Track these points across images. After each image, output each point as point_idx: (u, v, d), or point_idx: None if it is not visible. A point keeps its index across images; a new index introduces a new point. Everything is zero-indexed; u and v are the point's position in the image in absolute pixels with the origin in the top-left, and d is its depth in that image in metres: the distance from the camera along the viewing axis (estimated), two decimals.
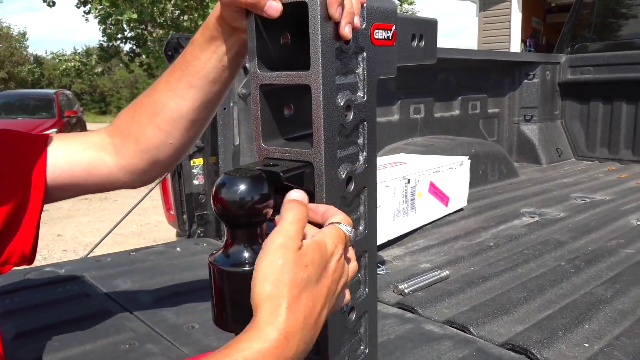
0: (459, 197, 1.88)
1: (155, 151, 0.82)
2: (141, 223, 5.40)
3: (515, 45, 8.71)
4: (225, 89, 0.80)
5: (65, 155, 0.82)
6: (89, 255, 1.48)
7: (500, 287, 1.22)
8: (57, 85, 22.75)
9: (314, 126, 0.64)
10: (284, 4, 0.62)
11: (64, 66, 21.42)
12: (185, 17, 10.05)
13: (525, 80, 2.94)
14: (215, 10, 0.72)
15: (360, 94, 0.70)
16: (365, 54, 0.69)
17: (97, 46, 14.81)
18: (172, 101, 0.78)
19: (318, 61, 0.61)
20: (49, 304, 1.13)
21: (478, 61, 2.69)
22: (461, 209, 1.92)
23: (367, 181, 0.72)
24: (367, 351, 0.77)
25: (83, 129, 10.08)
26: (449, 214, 1.84)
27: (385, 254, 1.47)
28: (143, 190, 1.26)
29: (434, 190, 1.72)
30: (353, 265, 0.59)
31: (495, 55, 3.22)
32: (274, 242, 0.52)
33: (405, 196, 1.58)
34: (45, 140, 0.83)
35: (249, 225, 0.59)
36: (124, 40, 12.47)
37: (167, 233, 4.64)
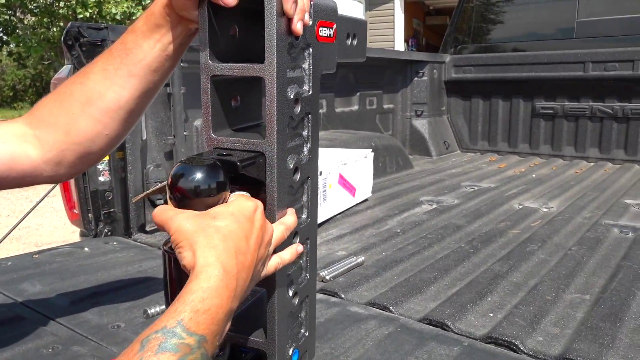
0: (364, 188, 1.99)
1: (89, 143, 0.78)
2: (19, 227, 4.96)
3: (399, 44, 9.21)
4: (165, 78, 0.79)
5: None
6: None
7: (411, 269, 1.32)
8: None
9: (267, 118, 0.66)
10: None
11: None
12: (62, 4, 9.33)
13: (416, 78, 3.14)
14: None
15: (306, 87, 0.73)
16: (311, 49, 0.73)
17: None
18: (109, 90, 0.76)
19: (273, 55, 0.64)
20: None
21: (374, 59, 2.83)
22: (366, 200, 2.03)
23: (310, 171, 0.76)
24: (306, 334, 0.81)
25: None
26: (356, 204, 1.94)
27: None
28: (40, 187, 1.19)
29: (343, 181, 1.80)
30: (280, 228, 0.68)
31: (389, 53, 3.40)
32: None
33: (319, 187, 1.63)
34: None
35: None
36: None
37: (50, 236, 4.32)
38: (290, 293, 0.74)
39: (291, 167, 0.71)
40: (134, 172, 1.62)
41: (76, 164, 0.80)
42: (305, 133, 0.75)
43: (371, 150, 2.03)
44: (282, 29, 0.64)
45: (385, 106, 3.03)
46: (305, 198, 0.77)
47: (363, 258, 1.37)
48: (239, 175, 0.67)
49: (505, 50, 3.15)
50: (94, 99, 0.76)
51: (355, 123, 2.77)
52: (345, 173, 1.81)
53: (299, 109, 0.71)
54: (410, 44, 10.09)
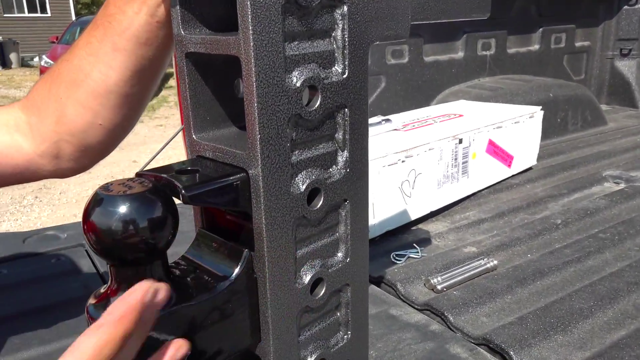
0: (526, 155, 1.59)
1: (82, 135, 0.62)
2: None
3: None
4: (165, 54, 0.58)
5: None
6: None
7: (560, 289, 0.97)
8: None
9: (247, 118, 0.42)
10: None
11: None
12: None
13: (626, 7, 2.45)
14: None
15: (337, 68, 0.46)
16: (345, 8, 0.44)
17: None
18: (95, 69, 0.58)
19: (247, 19, 0.38)
20: (34, 281, 1.02)
21: None
22: (529, 169, 1.63)
23: (349, 191, 0.50)
24: (347, 336, 0.55)
25: None
26: (513, 176, 1.56)
27: (425, 230, 1.24)
28: None
29: (494, 149, 1.44)
30: None
31: None
32: None
33: (455, 159, 1.31)
34: None
35: (141, 261, 0.40)
36: None
37: None
38: (305, 279, 0.48)
39: (302, 189, 0.45)
40: None
41: (78, 157, 0.65)
42: (338, 136, 0.48)
43: (540, 108, 1.59)
44: None
45: (578, 44, 2.44)
46: (342, 229, 0.51)
47: (496, 262, 1.05)
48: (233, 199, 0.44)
49: None
50: (79, 80, 0.59)
51: (533, 67, 2.27)
52: (498, 139, 1.44)
53: (319, 102, 0.45)
54: None
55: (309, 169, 0.46)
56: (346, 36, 0.45)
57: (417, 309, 0.93)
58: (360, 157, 0.50)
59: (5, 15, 14.94)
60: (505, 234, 1.20)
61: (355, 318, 0.55)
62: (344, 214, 0.51)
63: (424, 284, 1.00)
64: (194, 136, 0.47)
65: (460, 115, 1.50)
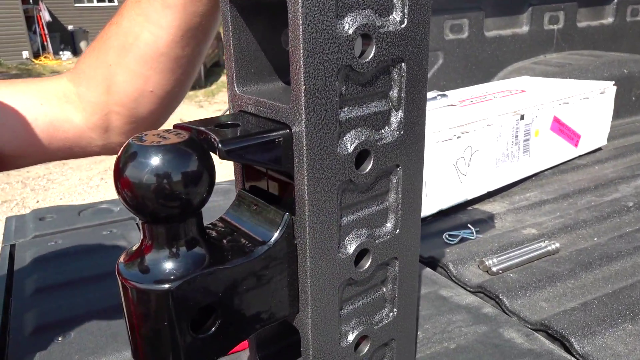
0: (595, 134, 1.47)
1: (133, 104, 0.60)
2: None
3: None
4: (216, 10, 0.56)
5: (18, 112, 0.62)
6: None
7: (630, 275, 0.88)
8: None
9: (291, 67, 0.38)
10: None
11: None
12: None
13: None
14: None
15: (395, 15, 0.42)
16: None
17: None
18: (145, 30, 0.56)
19: None
20: (86, 251, 1.04)
21: None
22: (598, 149, 1.52)
23: (402, 156, 0.46)
24: (394, 313, 0.51)
25: None
26: (580, 156, 1.46)
27: (481, 210, 1.17)
28: None
29: (559, 127, 1.34)
30: None
31: None
32: None
33: (516, 136, 1.23)
34: None
35: (174, 219, 0.37)
36: None
37: None
38: (350, 249, 0.44)
39: (350, 150, 0.42)
40: None
41: (128, 131, 0.63)
42: (393, 93, 0.44)
43: (614, 82, 1.47)
44: None
45: None
46: (392, 198, 0.47)
47: (558, 245, 0.97)
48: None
49: None
50: (128, 43, 0.56)
51: (606, 42, 2.11)
52: (564, 115, 1.34)
53: (373, 54, 0.41)
54: None
55: (359, 129, 0.42)
56: None
57: (469, 291, 0.88)
58: (416, 119, 0.46)
59: (76, 5, 15.63)
60: (569, 216, 1.11)
61: (402, 295, 0.51)
62: (395, 181, 0.46)
63: (478, 266, 0.94)
64: (236, 89, 0.45)
65: (523, 91, 1.41)
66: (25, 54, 13.54)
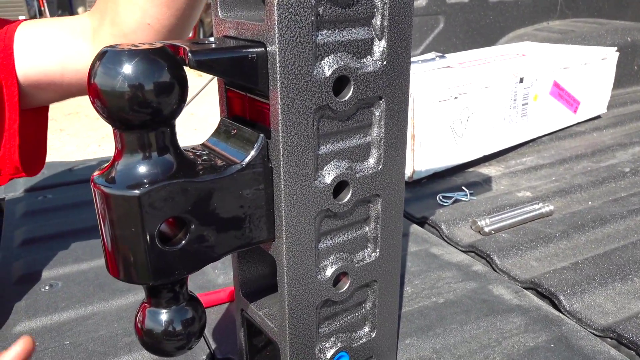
0: (595, 101, 1.45)
1: (133, 35, 0.63)
2: None
3: None
4: None
5: (37, 45, 0.66)
6: None
7: (623, 237, 0.88)
8: None
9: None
10: None
11: None
12: None
13: None
14: None
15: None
16: None
17: None
18: None
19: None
20: (75, 206, 1.03)
21: None
22: (598, 117, 1.50)
23: (385, 87, 0.44)
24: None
25: None
26: (578, 123, 1.44)
27: (476, 173, 1.16)
28: None
29: (559, 92, 1.32)
30: None
31: None
32: None
33: (515, 100, 1.21)
34: (13, 30, 0.67)
35: (147, 126, 0.36)
36: None
37: None
38: (327, 178, 0.44)
39: (326, 74, 0.40)
40: None
41: None
42: (376, 20, 0.42)
43: (616, 49, 1.44)
44: None
45: None
46: (375, 132, 0.46)
47: (552, 207, 0.97)
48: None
49: None
50: None
51: (611, 9, 2.07)
52: (564, 81, 1.32)
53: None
54: None
55: (338, 54, 0.41)
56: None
57: (460, 250, 0.87)
58: (401, 50, 0.44)
59: None
60: (565, 180, 1.10)
61: (385, 235, 0.50)
62: (377, 114, 0.45)
63: (471, 226, 0.93)
64: (219, 14, 0.43)
65: (524, 55, 1.38)
66: (22, 17, 13.37)
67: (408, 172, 1.09)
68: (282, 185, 0.40)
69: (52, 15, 14.30)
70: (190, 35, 0.74)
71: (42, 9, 14.44)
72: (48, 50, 0.66)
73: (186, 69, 0.38)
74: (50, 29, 0.68)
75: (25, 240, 0.89)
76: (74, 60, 0.67)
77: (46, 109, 0.74)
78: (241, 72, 0.38)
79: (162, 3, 0.60)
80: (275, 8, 0.36)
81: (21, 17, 13.38)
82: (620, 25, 1.89)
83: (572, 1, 1.97)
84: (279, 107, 0.38)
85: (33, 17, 13.90)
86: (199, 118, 5.98)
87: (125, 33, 0.63)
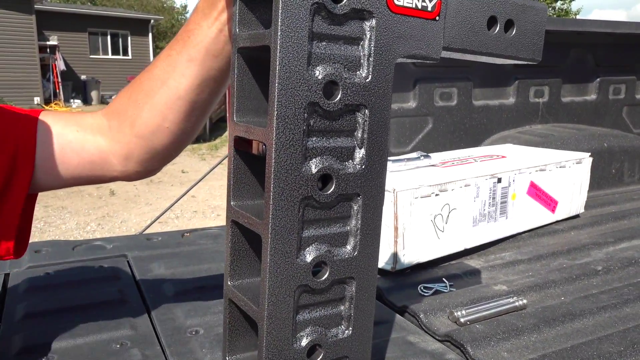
0: (572, 201, 1.55)
1: (151, 136, 0.72)
2: None
3: None
4: (228, 66, 0.67)
5: (57, 135, 0.74)
6: (144, 232, 1.44)
7: (591, 332, 0.93)
8: None
9: (269, 97, 0.48)
10: None
11: None
12: None
13: None
14: None
15: (361, 72, 0.51)
16: (374, 21, 0.50)
17: None
18: (171, 78, 0.68)
19: (278, 14, 0.45)
20: (75, 283, 1.09)
21: (627, 35, 2.22)
22: (576, 216, 1.58)
23: (363, 187, 0.53)
24: (348, 332, 0.57)
25: None
26: (557, 222, 1.52)
27: (457, 266, 1.23)
28: None
29: (536, 192, 1.42)
30: None
31: None
32: None
33: (493, 198, 1.30)
34: (36, 118, 0.76)
35: None
36: None
37: None
38: (308, 258, 0.51)
39: (313, 171, 0.49)
40: None
41: (144, 160, 0.75)
42: (357, 134, 0.52)
43: (590, 154, 1.56)
44: None
45: None
46: (353, 223, 0.54)
47: (525, 301, 1.02)
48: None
49: None
50: (157, 87, 0.69)
51: (589, 117, 2.23)
52: (540, 181, 1.42)
53: (339, 97, 0.50)
54: None
55: (324, 157, 0.51)
56: (373, 46, 0.51)
57: (436, 339, 0.92)
58: (378, 157, 0.54)
59: (91, 56, 16.19)
60: (540, 276, 1.17)
61: (358, 315, 0.56)
62: (356, 208, 0.54)
63: (448, 316, 0.99)
64: (235, 119, 0.54)
65: (503, 157, 1.49)
66: (37, 99, 13.92)
67: (391, 263, 1.16)
68: (269, 259, 0.48)
69: (65, 97, 14.86)
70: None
71: (57, 91, 15.04)
72: (68, 141, 0.74)
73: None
74: (71, 122, 0.76)
75: (26, 314, 0.94)
76: (92, 153, 0.75)
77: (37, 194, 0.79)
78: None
79: (183, 111, 0.70)
80: (275, 118, 0.46)
81: (36, 99, 13.91)
82: (597, 130, 2.03)
83: (553, 108, 2.13)
84: (271, 195, 0.47)
85: (47, 99, 14.47)
86: (197, 201, 6.07)
87: (144, 134, 0.72)
